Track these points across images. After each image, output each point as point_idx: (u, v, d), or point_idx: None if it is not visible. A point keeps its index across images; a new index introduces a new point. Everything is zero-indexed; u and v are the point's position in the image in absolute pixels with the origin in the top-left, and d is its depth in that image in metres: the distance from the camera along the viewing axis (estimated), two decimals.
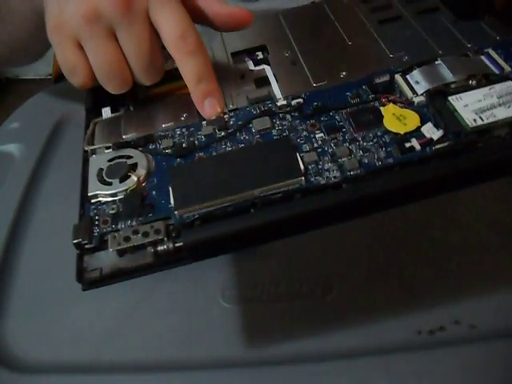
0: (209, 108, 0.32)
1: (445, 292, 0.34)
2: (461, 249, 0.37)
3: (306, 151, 0.29)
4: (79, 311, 0.37)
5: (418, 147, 0.27)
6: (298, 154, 0.28)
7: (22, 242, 0.41)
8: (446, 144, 0.27)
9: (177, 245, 0.26)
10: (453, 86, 0.30)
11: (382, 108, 0.30)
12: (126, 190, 0.29)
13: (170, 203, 0.28)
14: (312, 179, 0.27)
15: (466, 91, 0.29)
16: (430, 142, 0.27)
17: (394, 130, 0.28)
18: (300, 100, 0.31)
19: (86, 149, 0.32)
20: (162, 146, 0.31)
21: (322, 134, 0.29)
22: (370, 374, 0.31)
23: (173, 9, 0.31)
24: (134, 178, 0.29)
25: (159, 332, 0.35)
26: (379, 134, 0.29)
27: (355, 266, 0.37)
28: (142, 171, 0.30)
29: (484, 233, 0.37)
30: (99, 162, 0.31)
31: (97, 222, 0.28)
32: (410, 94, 0.30)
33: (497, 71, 0.30)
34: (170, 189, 0.28)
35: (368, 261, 0.37)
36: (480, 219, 0.38)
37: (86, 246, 0.27)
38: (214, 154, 0.30)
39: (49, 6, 0.32)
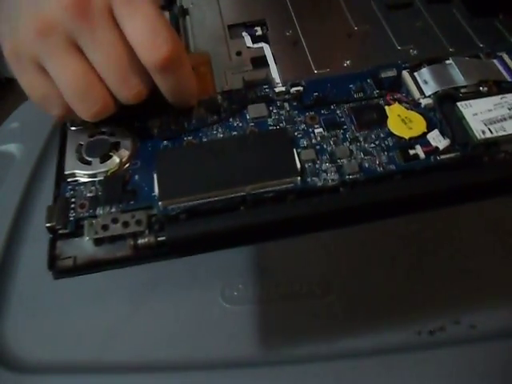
0: None
1: (445, 292, 0.34)
2: (461, 249, 0.36)
3: (304, 147, 0.27)
4: (79, 311, 0.36)
5: (422, 155, 0.26)
6: (294, 150, 0.26)
7: (22, 242, 0.40)
8: (451, 155, 0.26)
9: (159, 239, 0.24)
10: (462, 90, 0.28)
11: (386, 107, 0.28)
12: (107, 171, 0.27)
13: (154, 191, 0.26)
14: (308, 179, 0.25)
15: (476, 98, 0.28)
16: (435, 150, 0.26)
17: (398, 133, 0.27)
18: (300, 88, 0.29)
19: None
20: (147, 125, 0.29)
21: (321, 130, 0.27)
22: (370, 374, 0.31)
23: (140, 4, 0.25)
24: (116, 159, 0.27)
25: (159, 332, 0.34)
26: (382, 135, 0.27)
27: (355, 267, 0.36)
28: (125, 152, 0.27)
29: (484, 233, 0.37)
30: (78, 136, 0.28)
31: (73, 206, 0.26)
32: (417, 94, 0.28)
33: (509, 78, 0.29)
34: (155, 176, 0.26)
35: (368, 261, 0.36)
36: (480, 219, 0.38)
37: (60, 232, 0.25)
38: (205, 139, 0.28)
39: (1, 27, 0.26)
